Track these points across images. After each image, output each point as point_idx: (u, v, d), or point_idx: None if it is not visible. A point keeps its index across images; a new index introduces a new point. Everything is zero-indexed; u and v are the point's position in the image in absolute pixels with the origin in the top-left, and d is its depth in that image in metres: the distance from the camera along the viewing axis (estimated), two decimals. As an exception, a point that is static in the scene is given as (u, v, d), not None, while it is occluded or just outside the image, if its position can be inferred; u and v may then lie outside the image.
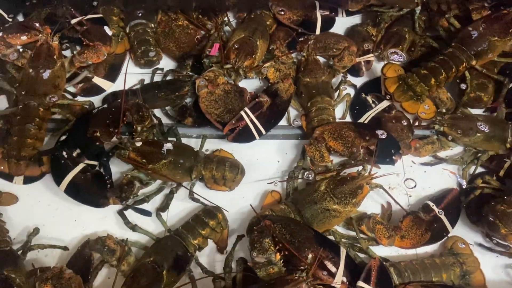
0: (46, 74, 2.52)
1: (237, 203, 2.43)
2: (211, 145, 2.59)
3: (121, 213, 2.33)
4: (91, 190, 2.34)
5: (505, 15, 2.69)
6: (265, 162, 2.56)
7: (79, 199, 2.35)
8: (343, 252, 2.08)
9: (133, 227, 2.30)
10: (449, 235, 2.33)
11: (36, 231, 2.31)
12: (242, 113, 2.50)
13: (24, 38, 2.63)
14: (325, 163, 2.41)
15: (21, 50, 2.67)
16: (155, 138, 2.50)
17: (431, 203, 2.37)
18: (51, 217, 2.38)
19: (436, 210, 2.34)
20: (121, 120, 2.41)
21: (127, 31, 2.89)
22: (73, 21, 2.80)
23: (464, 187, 2.49)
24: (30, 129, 2.40)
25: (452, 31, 2.87)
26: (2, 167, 2.43)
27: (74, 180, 2.33)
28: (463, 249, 2.26)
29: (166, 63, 2.90)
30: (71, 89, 2.75)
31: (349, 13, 3.12)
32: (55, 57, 2.57)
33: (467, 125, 2.50)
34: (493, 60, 2.72)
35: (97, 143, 2.43)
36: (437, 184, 2.51)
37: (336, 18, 3.07)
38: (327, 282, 1.97)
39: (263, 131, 2.52)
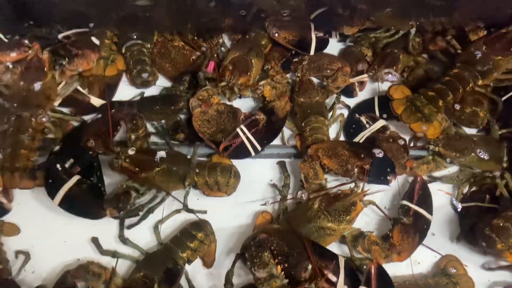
0: (37, 86, 2.55)
1: (231, 222, 2.41)
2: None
3: (121, 221, 2.32)
4: (87, 202, 2.33)
5: (505, 34, 2.73)
6: (259, 181, 2.55)
7: (75, 212, 2.32)
8: (341, 260, 2.07)
9: (124, 241, 2.28)
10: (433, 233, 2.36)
11: (27, 257, 2.26)
12: (238, 130, 2.51)
13: (13, 54, 2.66)
14: (319, 181, 2.39)
15: (11, 66, 2.68)
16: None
17: (406, 202, 2.37)
18: (39, 238, 2.34)
19: (413, 206, 2.35)
20: (111, 130, 2.44)
21: (123, 51, 2.91)
22: (61, 35, 2.85)
23: (459, 210, 2.46)
24: (23, 139, 2.42)
25: (451, 53, 2.90)
26: None
27: (69, 193, 2.31)
28: (457, 268, 2.23)
29: (162, 83, 2.90)
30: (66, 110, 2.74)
31: (342, 36, 3.14)
32: (45, 69, 2.61)
33: (463, 145, 2.50)
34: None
35: (91, 153, 2.45)
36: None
37: (331, 40, 3.08)
38: None
39: (259, 148, 2.52)
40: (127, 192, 2.33)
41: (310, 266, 2.00)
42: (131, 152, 2.33)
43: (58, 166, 2.37)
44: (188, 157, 2.47)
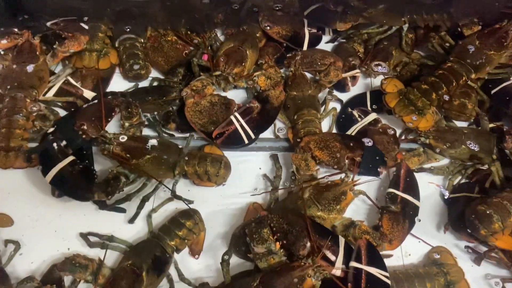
0: (30, 68, 2.64)
1: (221, 212, 2.42)
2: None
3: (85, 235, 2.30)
4: (77, 184, 2.33)
5: (498, 30, 2.80)
6: (250, 174, 2.57)
7: (64, 191, 2.35)
8: (341, 241, 2.09)
9: (105, 245, 2.25)
10: (418, 216, 2.37)
11: (17, 246, 2.25)
12: (232, 117, 2.54)
13: (3, 42, 2.75)
14: (310, 172, 2.41)
15: (2, 52, 2.77)
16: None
17: (392, 190, 2.39)
18: (30, 228, 2.34)
19: (400, 194, 2.36)
20: (104, 116, 2.48)
21: (117, 45, 2.95)
22: (49, 22, 2.92)
23: (446, 197, 2.48)
24: (18, 119, 2.47)
25: (445, 48, 2.95)
26: None
27: (61, 172, 2.31)
28: (447, 259, 2.24)
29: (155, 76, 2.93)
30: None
31: (335, 33, 3.18)
32: (37, 53, 2.70)
33: (453, 137, 2.54)
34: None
35: (83, 136, 2.47)
36: (422, 196, 2.47)
37: (324, 36, 3.14)
38: (328, 269, 1.96)
39: (253, 136, 2.54)
40: (117, 177, 2.35)
41: (308, 244, 2.02)
42: (122, 139, 2.35)
43: (55, 145, 2.40)
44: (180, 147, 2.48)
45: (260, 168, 2.58)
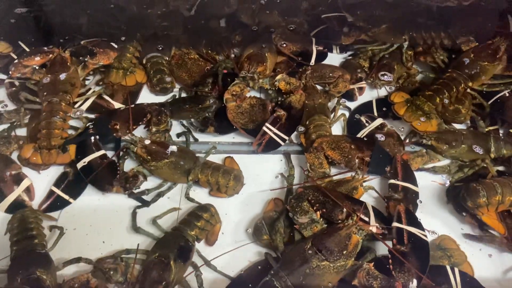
0: (62, 76, 2.89)
1: (243, 209, 2.61)
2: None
3: (133, 213, 2.52)
4: (101, 175, 2.60)
5: (490, 45, 3.11)
6: (266, 175, 2.76)
7: (90, 179, 2.60)
8: (369, 205, 2.36)
9: (137, 229, 2.45)
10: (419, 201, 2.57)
11: (61, 232, 2.43)
12: (265, 128, 2.78)
13: (37, 58, 3.03)
14: (323, 170, 2.62)
15: (37, 67, 3.04)
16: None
17: (392, 181, 2.59)
18: (69, 222, 2.52)
19: (400, 183, 2.56)
20: (131, 120, 2.75)
21: (144, 62, 3.22)
22: (84, 41, 3.23)
23: (446, 185, 2.68)
24: (56, 121, 2.71)
25: (443, 62, 3.27)
26: (35, 158, 2.64)
27: (91, 162, 2.63)
28: (450, 244, 2.41)
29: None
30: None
31: (342, 50, 3.48)
32: (68, 63, 2.97)
33: (452, 138, 2.73)
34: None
35: (114, 135, 2.76)
36: (424, 194, 2.65)
37: (331, 54, 3.44)
38: (366, 227, 2.19)
39: (286, 138, 2.79)
40: (136, 176, 2.59)
41: (344, 209, 2.26)
42: (146, 142, 2.58)
43: (92, 138, 2.71)
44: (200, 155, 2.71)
45: (277, 172, 2.78)
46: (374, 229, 2.26)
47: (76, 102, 2.95)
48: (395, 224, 2.27)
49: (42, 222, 2.47)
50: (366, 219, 2.30)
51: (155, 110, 2.83)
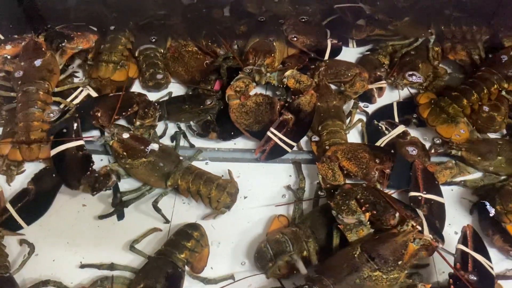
0: (38, 62, 2.66)
1: (242, 226, 2.32)
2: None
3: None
4: (71, 169, 2.37)
5: None
6: (272, 186, 2.48)
7: (58, 171, 2.40)
8: (420, 213, 2.12)
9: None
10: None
11: (32, 249, 2.17)
12: (269, 133, 2.51)
13: (8, 47, 2.84)
14: (337, 183, 2.32)
15: (9, 57, 2.82)
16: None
17: (414, 193, 2.32)
18: (41, 238, 2.27)
19: (422, 195, 2.31)
20: (116, 111, 2.50)
21: (136, 54, 2.95)
22: (58, 26, 2.97)
23: (491, 215, 2.30)
24: (34, 112, 2.49)
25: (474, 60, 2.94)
26: (14, 155, 2.44)
27: (65, 152, 2.40)
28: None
29: (175, 86, 2.92)
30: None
31: (359, 44, 3.16)
32: (43, 49, 2.74)
33: (486, 149, 2.45)
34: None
35: (94, 122, 2.54)
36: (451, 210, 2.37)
37: (346, 48, 3.12)
38: (422, 236, 1.94)
39: (293, 144, 2.53)
40: (108, 175, 2.33)
41: (397, 214, 2.02)
42: (125, 135, 2.36)
43: (75, 124, 2.47)
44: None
45: (284, 184, 2.49)
46: (428, 240, 1.97)
47: (58, 94, 2.71)
48: (460, 246, 2.02)
49: (3, 240, 2.19)
50: (419, 227, 2.03)
51: (143, 102, 2.59)
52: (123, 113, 2.53)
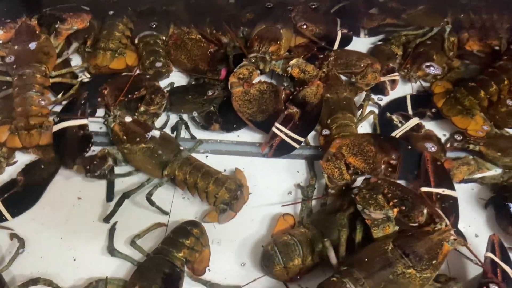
0: (33, 45, 2.61)
1: (245, 225, 2.20)
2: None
3: (111, 230, 2.12)
4: (69, 147, 2.35)
5: None
6: (277, 183, 2.36)
7: (56, 147, 2.36)
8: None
9: (112, 252, 2.06)
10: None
11: (21, 244, 2.07)
12: (275, 129, 2.40)
13: (0, 32, 2.75)
14: (345, 181, 2.20)
15: (1, 42, 2.76)
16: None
17: (425, 189, 2.20)
18: (34, 232, 2.15)
19: (433, 190, 2.19)
20: (122, 94, 2.46)
21: (136, 42, 2.84)
22: (48, 8, 2.89)
23: None
24: (32, 95, 2.43)
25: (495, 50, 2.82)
26: (12, 142, 2.35)
27: (67, 129, 2.38)
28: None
29: (178, 75, 2.82)
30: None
31: (372, 34, 3.04)
32: (37, 31, 2.70)
33: (507, 144, 2.33)
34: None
35: (99, 100, 2.53)
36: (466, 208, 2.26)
37: (358, 38, 2.99)
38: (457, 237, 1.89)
39: (301, 139, 2.41)
40: (104, 157, 2.28)
41: (425, 211, 1.95)
42: (127, 119, 2.32)
43: (82, 101, 2.47)
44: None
45: (292, 181, 2.37)
46: (462, 241, 1.90)
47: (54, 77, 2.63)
48: (489, 254, 1.95)
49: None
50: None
51: (152, 87, 2.51)
52: (130, 96, 2.48)
